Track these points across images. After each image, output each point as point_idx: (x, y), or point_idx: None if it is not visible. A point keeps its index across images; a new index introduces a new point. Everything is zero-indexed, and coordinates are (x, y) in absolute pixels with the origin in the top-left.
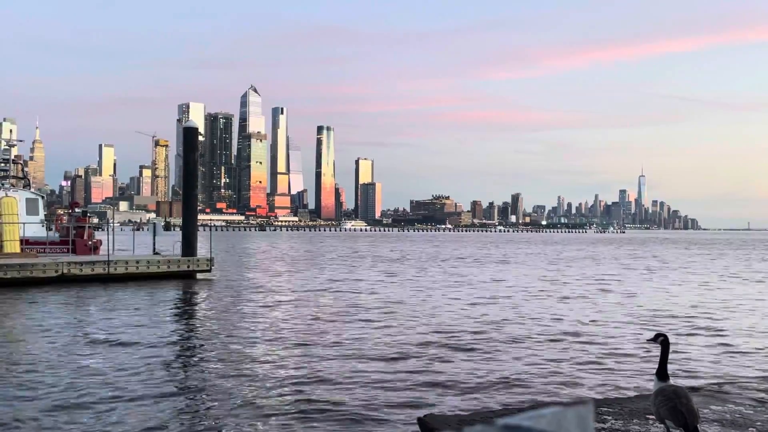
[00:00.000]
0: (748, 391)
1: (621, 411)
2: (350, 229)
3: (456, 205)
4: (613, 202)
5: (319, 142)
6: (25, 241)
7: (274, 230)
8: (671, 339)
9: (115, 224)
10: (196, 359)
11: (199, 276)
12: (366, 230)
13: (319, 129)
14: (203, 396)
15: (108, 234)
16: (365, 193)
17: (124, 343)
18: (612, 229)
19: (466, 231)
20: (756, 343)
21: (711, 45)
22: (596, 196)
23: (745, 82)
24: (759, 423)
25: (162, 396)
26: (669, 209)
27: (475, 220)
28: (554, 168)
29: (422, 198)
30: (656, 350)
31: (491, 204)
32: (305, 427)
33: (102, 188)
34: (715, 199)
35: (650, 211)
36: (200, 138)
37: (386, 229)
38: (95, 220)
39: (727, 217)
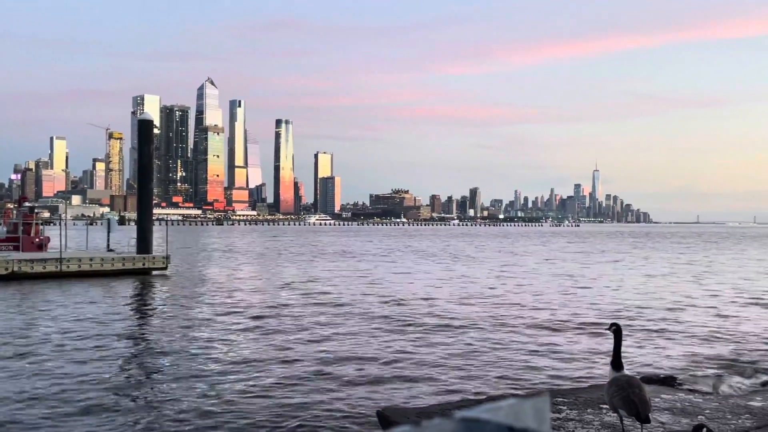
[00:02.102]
0: (698, 380)
1: (576, 401)
2: (314, 224)
3: (415, 199)
4: (568, 196)
5: (277, 136)
6: None
7: (232, 224)
8: (624, 330)
9: (67, 219)
10: (146, 363)
11: (154, 273)
12: (329, 224)
13: (278, 122)
14: (153, 401)
15: (60, 229)
16: (324, 186)
17: (70, 344)
18: (567, 222)
19: (425, 225)
20: (703, 335)
21: (665, 42)
22: (552, 190)
23: (697, 79)
24: (708, 411)
25: (108, 400)
26: (622, 203)
27: (434, 214)
28: (511, 162)
29: (381, 192)
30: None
31: (450, 198)
32: (265, 422)
33: (54, 182)
34: (666, 193)
35: (604, 204)
36: (155, 131)
37: (347, 223)
38: (46, 215)
39: (678, 211)
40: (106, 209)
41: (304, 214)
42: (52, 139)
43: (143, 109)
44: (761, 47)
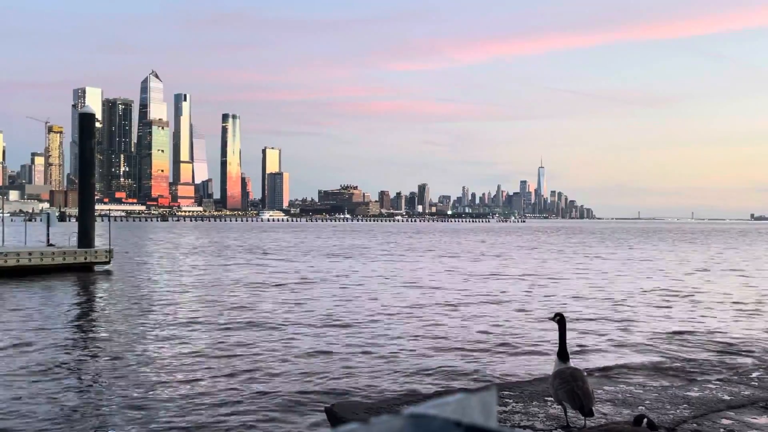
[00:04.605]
0: (638, 372)
1: (521, 394)
2: (269, 220)
3: (364, 195)
4: (514, 192)
5: (224, 131)
6: None
7: (177, 220)
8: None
9: (4, 215)
10: (88, 361)
11: (97, 269)
12: (280, 221)
13: (225, 117)
14: (92, 402)
15: None
16: (272, 182)
17: (7, 343)
18: (513, 218)
19: (373, 221)
20: (645, 327)
21: (607, 41)
22: (498, 187)
23: (638, 78)
24: (648, 402)
25: (46, 401)
26: (566, 199)
27: (383, 210)
28: (459, 159)
29: (330, 188)
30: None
31: (398, 194)
32: (215, 421)
33: None
34: (609, 189)
35: (549, 201)
36: (97, 124)
37: (297, 219)
38: None
39: (620, 207)
40: (46, 205)
41: (252, 209)
42: None
43: (84, 102)
44: (699, 48)
